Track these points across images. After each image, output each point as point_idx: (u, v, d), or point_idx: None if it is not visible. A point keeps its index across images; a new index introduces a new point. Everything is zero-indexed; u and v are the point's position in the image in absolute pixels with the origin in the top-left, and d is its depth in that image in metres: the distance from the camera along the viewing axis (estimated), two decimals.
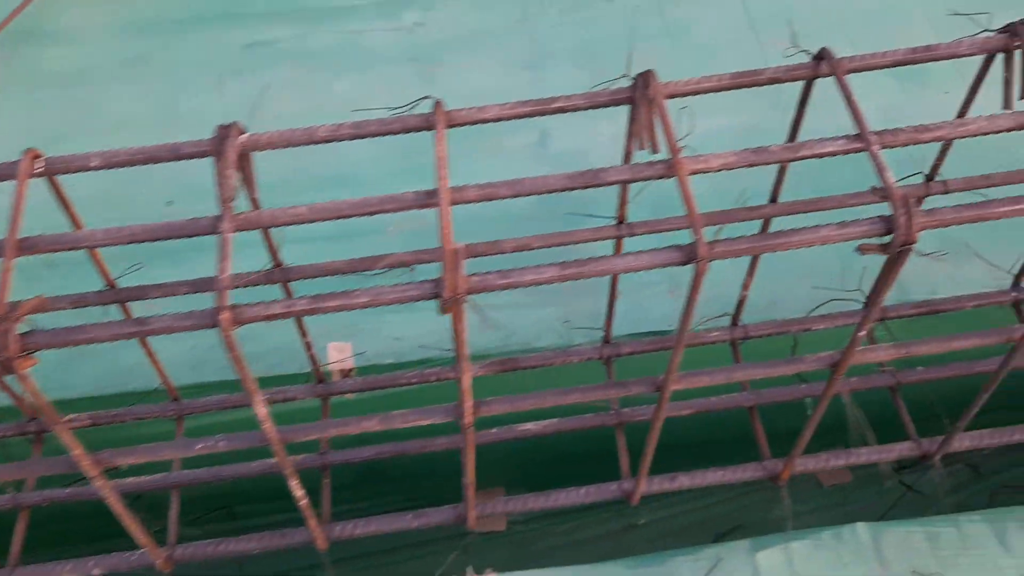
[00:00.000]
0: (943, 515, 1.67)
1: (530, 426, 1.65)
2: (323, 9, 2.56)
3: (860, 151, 1.12)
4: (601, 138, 2.15)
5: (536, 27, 2.53)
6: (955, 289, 1.87)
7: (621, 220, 1.49)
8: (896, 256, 1.08)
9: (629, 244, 1.56)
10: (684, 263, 1.05)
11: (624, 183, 1.14)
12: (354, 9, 2.56)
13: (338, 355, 1.89)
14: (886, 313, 1.81)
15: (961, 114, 1.38)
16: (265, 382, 1.89)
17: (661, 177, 1.13)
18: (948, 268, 2.01)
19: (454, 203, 1.11)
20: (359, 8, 2.57)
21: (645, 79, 1.19)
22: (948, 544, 1.62)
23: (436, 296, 1.02)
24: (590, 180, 1.12)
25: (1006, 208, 1.05)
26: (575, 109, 1.21)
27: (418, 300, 1.03)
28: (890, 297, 1.97)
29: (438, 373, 1.75)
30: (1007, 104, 1.24)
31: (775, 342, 1.85)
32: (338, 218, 1.11)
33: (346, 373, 1.88)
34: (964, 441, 1.61)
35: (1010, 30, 1.23)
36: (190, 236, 1.09)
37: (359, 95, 2.35)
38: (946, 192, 1.50)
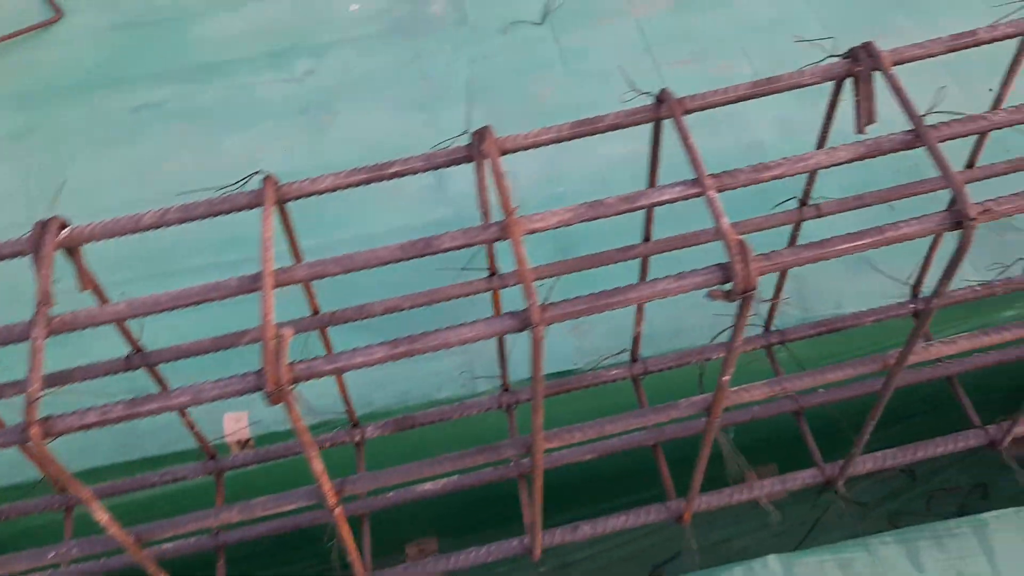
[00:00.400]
0: (854, 539, 1.64)
1: (428, 487, 1.60)
2: (211, 65, 2.49)
3: (698, 196, 1.09)
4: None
5: (429, 66, 2.49)
6: (860, 302, 1.85)
7: (492, 272, 1.45)
8: (741, 302, 1.05)
9: (505, 295, 1.53)
10: (520, 330, 1.02)
11: (458, 248, 1.10)
12: (243, 62, 2.50)
13: (234, 425, 1.84)
14: (786, 336, 1.78)
15: (820, 142, 1.36)
16: (158, 461, 1.85)
17: (497, 240, 1.09)
18: (852, 282, 2.00)
19: (280, 285, 1.07)
20: (248, 61, 2.50)
21: (481, 136, 1.16)
22: (861, 570, 1.59)
23: (258, 389, 0.97)
24: (422, 249, 1.07)
25: (844, 246, 1.02)
26: (413, 172, 1.18)
27: (241, 394, 0.98)
28: (793, 316, 1.96)
29: (332, 438, 1.71)
30: (859, 129, 1.22)
31: (682, 373, 1.82)
32: (159, 312, 1.06)
33: (244, 443, 1.83)
34: (867, 463, 1.58)
35: (852, 55, 1.21)
36: (2, 346, 1.04)
37: (250, 150, 2.29)
38: (819, 216, 1.47)
